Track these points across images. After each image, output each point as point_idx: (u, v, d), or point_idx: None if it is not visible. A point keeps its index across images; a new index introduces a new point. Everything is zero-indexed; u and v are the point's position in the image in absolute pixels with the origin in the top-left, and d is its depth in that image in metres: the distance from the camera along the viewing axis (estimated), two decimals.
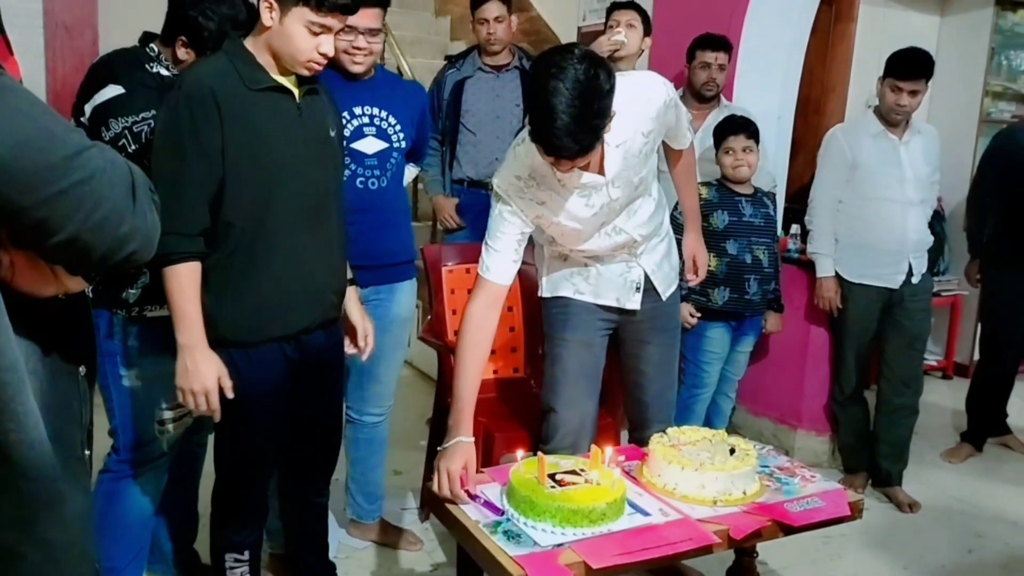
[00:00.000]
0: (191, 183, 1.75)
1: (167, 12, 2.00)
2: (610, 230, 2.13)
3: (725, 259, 2.94)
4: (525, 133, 1.92)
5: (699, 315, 2.99)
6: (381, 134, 2.40)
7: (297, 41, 1.76)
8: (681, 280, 2.42)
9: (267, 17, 1.77)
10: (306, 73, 1.84)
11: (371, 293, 2.43)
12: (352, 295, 2.13)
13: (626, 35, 3.06)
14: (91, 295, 1.86)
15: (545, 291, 2.30)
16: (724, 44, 3.25)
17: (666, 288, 2.30)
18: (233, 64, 1.79)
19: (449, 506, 1.85)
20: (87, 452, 1.20)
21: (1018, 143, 3.45)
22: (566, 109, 1.69)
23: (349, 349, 2.14)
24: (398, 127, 2.42)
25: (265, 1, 1.76)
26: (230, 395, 1.81)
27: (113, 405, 2.03)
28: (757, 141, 2.95)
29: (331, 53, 1.82)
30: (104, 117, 1.92)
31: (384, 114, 2.40)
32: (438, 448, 2.01)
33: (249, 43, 1.82)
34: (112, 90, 1.93)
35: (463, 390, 1.99)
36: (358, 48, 2.27)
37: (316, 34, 1.77)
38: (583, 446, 2.20)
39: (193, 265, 1.77)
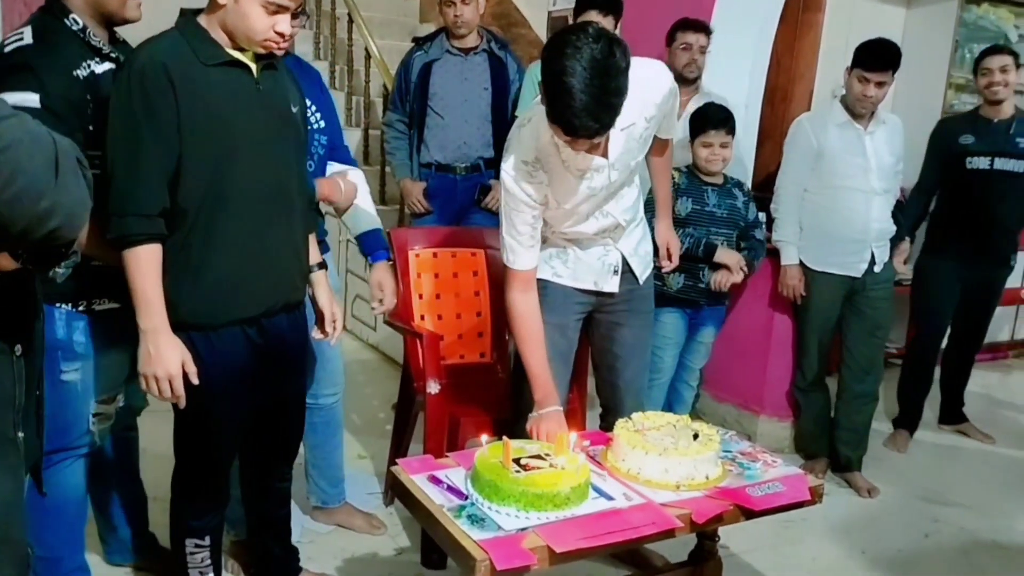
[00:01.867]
0: (148, 162, 1.70)
1: None
2: (599, 214, 2.15)
3: (683, 246, 2.93)
4: (525, 117, 1.92)
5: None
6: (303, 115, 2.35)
7: (253, 21, 1.72)
8: (654, 266, 2.43)
9: None
10: (261, 52, 1.80)
11: None
12: (321, 279, 2.10)
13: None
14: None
15: None
16: (705, 27, 3.27)
17: (643, 271, 2.32)
18: (186, 39, 1.74)
19: (413, 491, 1.84)
20: (20, 434, 1.16)
21: (949, 135, 3.53)
22: (584, 88, 1.70)
23: (316, 335, 2.11)
24: (314, 108, 2.36)
25: None
26: (195, 381, 1.78)
27: (46, 396, 1.96)
28: (733, 135, 2.96)
29: (288, 32, 1.78)
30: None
31: None
32: (530, 416, 2.11)
33: (203, 20, 1.78)
34: (22, 97, 1.72)
35: (537, 368, 2.11)
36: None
37: (272, 13, 1.73)
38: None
39: (154, 247, 1.73)
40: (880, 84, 2.95)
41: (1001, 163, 3.43)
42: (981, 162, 3.44)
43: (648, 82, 2.01)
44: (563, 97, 1.72)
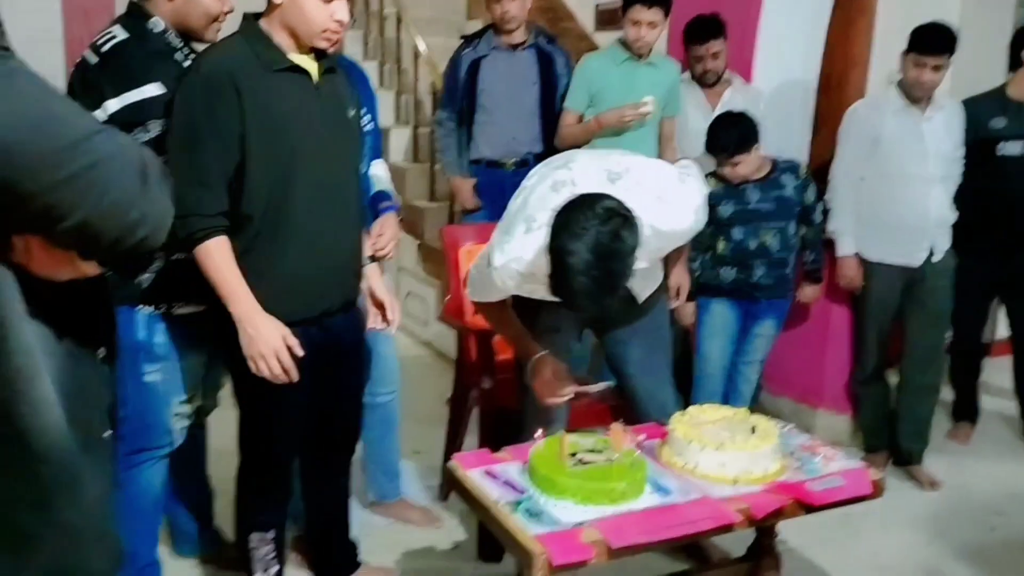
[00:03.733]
0: (208, 167, 1.75)
1: None
2: None
3: (731, 244, 2.94)
4: (534, 222, 1.85)
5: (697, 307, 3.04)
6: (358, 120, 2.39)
7: (310, 12, 1.76)
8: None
9: None
10: (324, 44, 1.84)
11: None
12: (375, 271, 2.13)
13: (646, 33, 3.08)
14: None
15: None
16: (712, 31, 3.20)
17: (642, 291, 2.27)
18: (250, 46, 1.79)
19: (469, 485, 1.86)
20: (109, 432, 1.21)
21: (978, 118, 3.21)
22: (585, 271, 1.67)
23: (378, 324, 2.14)
24: (363, 110, 2.37)
25: None
26: (299, 352, 1.82)
27: (127, 397, 2.00)
28: (748, 149, 2.82)
29: (346, 19, 1.82)
30: (141, 117, 1.85)
31: None
32: (528, 375, 2.12)
33: (263, 24, 1.82)
34: (152, 89, 1.86)
35: (514, 328, 2.16)
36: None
37: (328, 1, 1.77)
38: (558, 427, 2.17)
39: (220, 239, 1.77)
40: (937, 68, 2.88)
41: None
42: (1014, 147, 3.18)
43: (677, 234, 2.03)
44: (565, 276, 1.70)
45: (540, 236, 1.80)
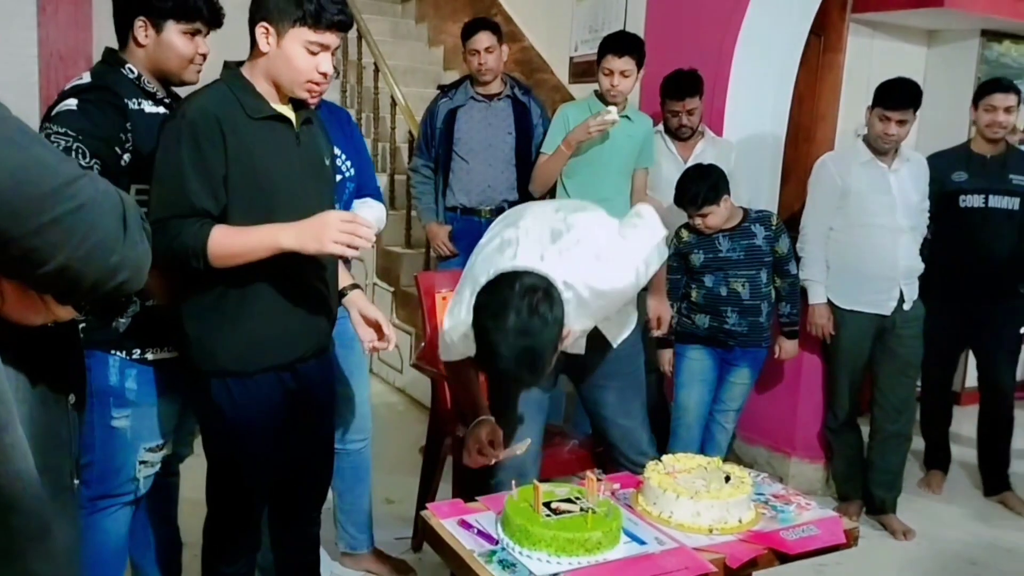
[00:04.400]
0: (194, 200, 1.73)
1: (114, 14, 1.96)
2: None
3: (703, 291, 2.97)
4: (478, 286, 1.86)
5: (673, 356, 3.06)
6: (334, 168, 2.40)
7: (297, 62, 1.77)
8: (646, 332, 2.43)
9: (264, 43, 1.77)
10: (306, 96, 1.85)
11: None
12: (360, 295, 2.11)
13: (620, 82, 3.14)
14: (82, 335, 1.85)
15: None
16: (690, 89, 3.27)
17: (617, 335, 2.29)
18: (233, 93, 1.79)
19: (443, 535, 1.83)
20: (75, 482, 1.18)
21: (941, 172, 3.31)
22: (506, 352, 1.72)
23: (379, 344, 2.06)
24: (343, 156, 2.41)
25: (261, 27, 1.77)
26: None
27: (94, 441, 1.97)
28: (718, 200, 2.86)
29: (330, 72, 1.83)
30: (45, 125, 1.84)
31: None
32: (461, 434, 2.17)
33: (246, 71, 1.83)
34: (64, 103, 1.84)
35: (467, 389, 2.17)
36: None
37: (314, 54, 1.78)
38: (530, 476, 2.15)
39: (214, 226, 1.72)
40: (901, 122, 2.96)
41: (996, 200, 3.30)
42: (975, 200, 3.31)
43: (609, 295, 2.02)
44: (488, 354, 1.76)
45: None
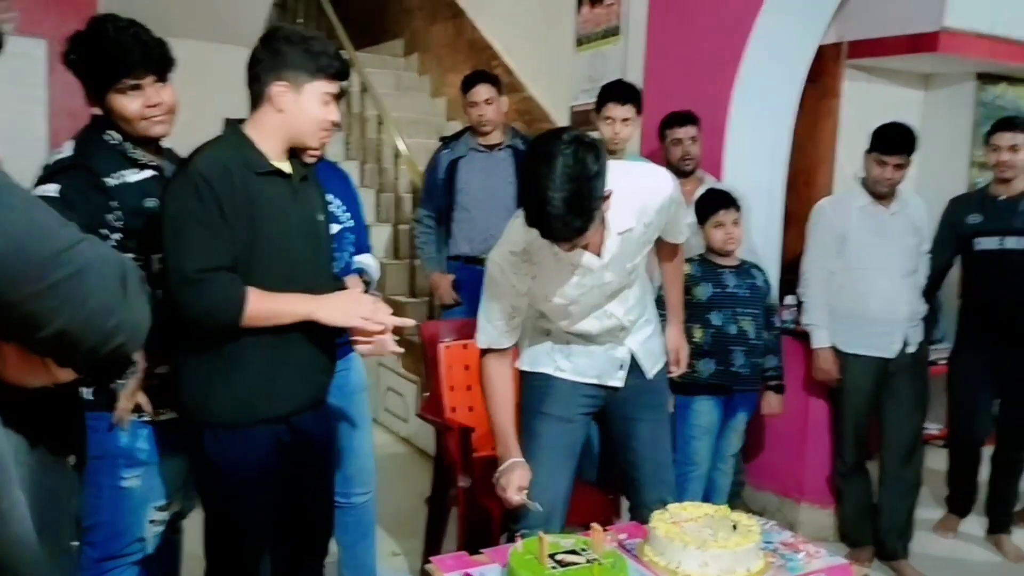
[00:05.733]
0: (217, 249, 1.75)
1: (84, 77, 1.92)
2: (600, 314, 2.16)
3: (710, 331, 2.93)
4: (516, 216, 1.96)
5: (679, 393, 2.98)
6: (332, 218, 2.43)
7: (315, 114, 1.85)
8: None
9: (281, 100, 1.82)
10: (316, 146, 1.93)
11: None
12: (355, 281, 2.17)
13: (621, 129, 3.18)
14: (92, 397, 1.85)
15: (524, 364, 2.29)
16: (691, 119, 3.32)
17: (652, 366, 2.30)
18: (236, 148, 1.83)
19: None
20: (74, 544, 1.18)
21: (957, 215, 3.37)
22: (556, 194, 1.75)
23: (389, 346, 1.97)
24: (343, 207, 2.48)
25: (278, 86, 1.82)
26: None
27: (101, 503, 1.96)
28: (740, 212, 2.98)
29: (339, 120, 1.91)
30: None
31: (330, 197, 2.43)
32: (495, 475, 2.14)
33: (248, 129, 1.87)
34: (45, 188, 1.80)
35: (502, 424, 2.17)
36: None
37: (327, 104, 1.86)
38: (555, 526, 2.16)
39: (247, 291, 1.75)
40: (898, 167, 2.98)
41: (1012, 242, 3.25)
42: (990, 242, 3.29)
43: (648, 190, 2.07)
44: (537, 203, 1.79)
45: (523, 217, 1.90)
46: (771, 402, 3.10)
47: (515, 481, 2.10)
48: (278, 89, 1.82)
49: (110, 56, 1.87)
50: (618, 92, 3.22)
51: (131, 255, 1.84)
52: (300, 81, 1.82)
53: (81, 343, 0.96)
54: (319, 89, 1.84)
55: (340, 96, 1.91)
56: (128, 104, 1.90)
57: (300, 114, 1.84)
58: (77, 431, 1.18)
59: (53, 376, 1.05)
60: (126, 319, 0.98)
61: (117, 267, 0.98)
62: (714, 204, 2.96)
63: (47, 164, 1.90)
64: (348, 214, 2.50)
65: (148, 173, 1.96)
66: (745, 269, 3.02)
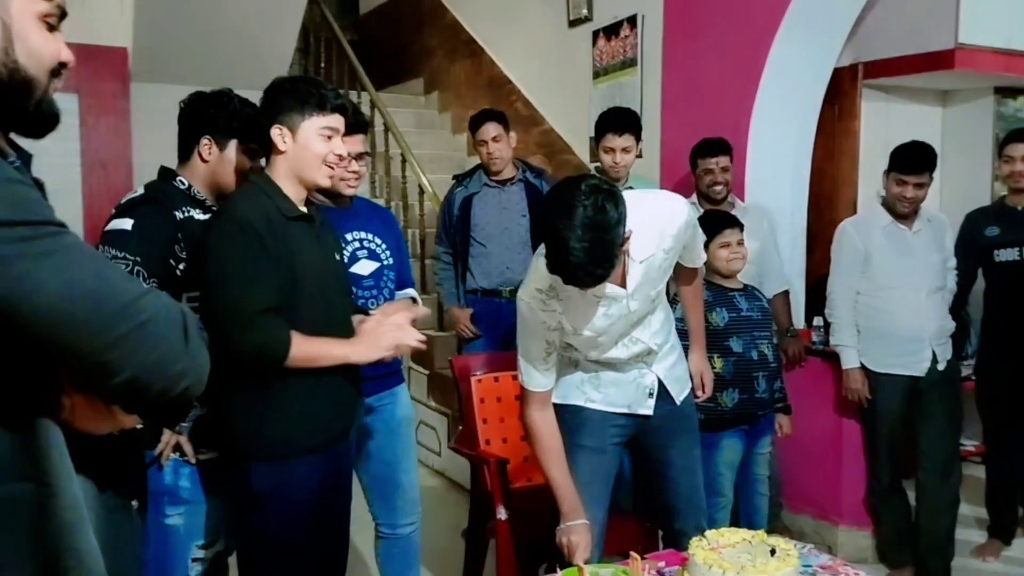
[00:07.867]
0: (267, 296, 1.83)
1: (180, 132, 2.11)
2: (627, 341, 2.19)
3: (731, 358, 2.81)
4: (540, 257, 1.98)
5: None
6: (372, 255, 2.52)
7: (315, 149, 1.91)
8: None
9: (281, 143, 1.91)
10: (327, 183, 1.99)
11: (375, 400, 2.48)
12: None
13: (621, 159, 3.21)
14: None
15: (555, 396, 2.28)
16: (722, 148, 3.33)
17: (679, 392, 2.32)
18: (268, 196, 1.91)
19: None
20: None
21: (975, 227, 3.37)
22: (577, 244, 1.78)
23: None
24: (384, 246, 2.55)
25: (275, 129, 1.90)
26: (420, 339, 1.99)
27: (148, 540, 1.98)
28: (743, 230, 2.91)
29: (344, 153, 1.97)
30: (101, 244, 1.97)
31: (371, 236, 2.53)
32: (557, 530, 2.11)
33: (272, 175, 1.95)
34: (120, 223, 1.99)
35: (560, 483, 2.14)
36: (352, 172, 2.41)
37: (328, 138, 1.91)
38: (594, 556, 2.15)
39: (291, 337, 1.83)
40: (919, 185, 2.99)
41: None
42: (1009, 254, 3.28)
43: (664, 217, 2.10)
44: (559, 253, 1.81)
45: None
46: (783, 425, 3.05)
47: (583, 547, 2.07)
48: (276, 133, 1.90)
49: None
50: (615, 122, 3.27)
51: (191, 293, 1.95)
52: (294, 122, 1.90)
53: (150, 388, 1.01)
54: (315, 125, 1.90)
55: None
56: (244, 162, 2.10)
57: (302, 152, 1.91)
58: (139, 476, 1.23)
59: (119, 423, 1.10)
60: (189, 364, 1.04)
61: (179, 315, 1.04)
62: (719, 223, 2.87)
63: (121, 203, 2.06)
64: (388, 252, 2.56)
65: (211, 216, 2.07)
66: (750, 291, 2.96)
